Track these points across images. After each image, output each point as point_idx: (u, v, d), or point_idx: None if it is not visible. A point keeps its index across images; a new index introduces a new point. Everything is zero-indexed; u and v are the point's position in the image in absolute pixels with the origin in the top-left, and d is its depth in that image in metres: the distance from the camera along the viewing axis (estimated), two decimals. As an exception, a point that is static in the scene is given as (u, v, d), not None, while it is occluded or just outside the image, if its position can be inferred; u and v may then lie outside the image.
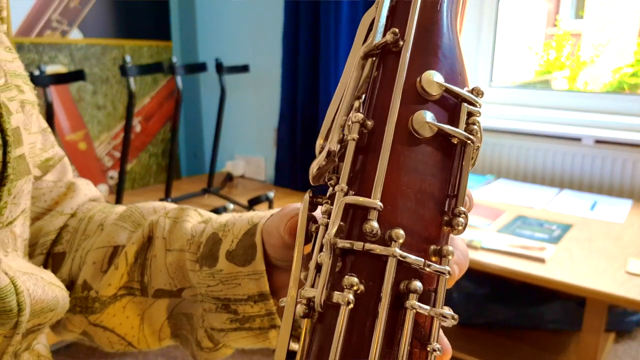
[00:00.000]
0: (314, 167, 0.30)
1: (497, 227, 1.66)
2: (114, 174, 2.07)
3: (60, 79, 1.56)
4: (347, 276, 0.24)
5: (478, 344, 1.77)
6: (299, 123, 2.18)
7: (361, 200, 0.25)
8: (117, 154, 2.04)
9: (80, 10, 1.90)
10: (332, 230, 0.25)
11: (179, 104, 1.71)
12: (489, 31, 2.31)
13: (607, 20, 2.72)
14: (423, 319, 0.25)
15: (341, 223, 0.26)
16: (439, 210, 0.27)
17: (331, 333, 0.24)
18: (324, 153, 0.29)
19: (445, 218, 0.27)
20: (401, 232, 0.25)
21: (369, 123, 0.28)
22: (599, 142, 2.01)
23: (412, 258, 0.25)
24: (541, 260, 1.43)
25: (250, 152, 2.48)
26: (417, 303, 0.24)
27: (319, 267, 0.26)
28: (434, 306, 0.25)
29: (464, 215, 0.27)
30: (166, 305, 0.44)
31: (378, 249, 0.25)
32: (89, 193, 0.51)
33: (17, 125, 0.36)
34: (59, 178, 0.49)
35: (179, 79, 1.67)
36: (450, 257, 0.26)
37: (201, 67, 1.81)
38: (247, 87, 2.33)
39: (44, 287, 0.37)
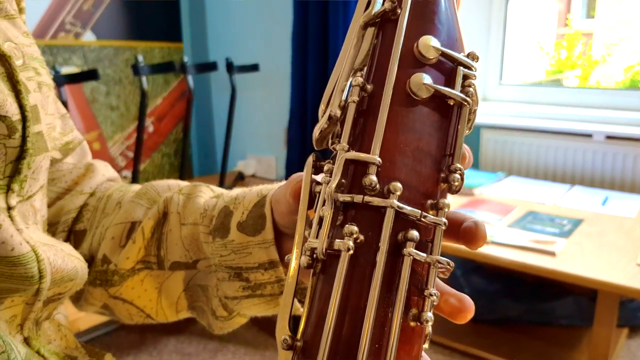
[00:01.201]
0: (316, 131, 0.32)
1: (507, 222, 1.66)
2: (127, 173, 2.10)
3: (74, 78, 1.59)
4: (347, 225, 0.25)
5: (490, 339, 1.77)
6: (309, 122, 2.19)
7: (361, 155, 0.27)
8: (130, 154, 2.07)
9: (93, 13, 1.93)
10: (333, 184, 0.26)
11: (190, 104, 1.73)
12: (498, 29, 2.32)
13: (618, 19, 2.71)
14: (420, 267, 0.26)
15: (342, 181, 0.27)
16: (435, 167, 0.28)
17: (333, 280, 0.25)
18: (326, 116, 0.30)
19: (442, 175, 0.28)
20: (399, 185, 0.26)
21: (369, 87, 0.29)
22: (610, 137, 2.01)
23: (409, 209, 0.26)
24: (552, 254, 1.43)
25: (261, 151, 2.49)
26: (414, 250, 0.25)
27: (321, 220, 0.27)
28: (430, 255, 0.26)
29: (460, 172, 0.28)
30: (182, 277, 0.46)
31: (376, 200, 0.26)
32: (106, 173, 0.53)
33: (35, 103, 0.38)
34: (78, 160, 0.51)
35: (190, 79, 1.70)
36: (446, 210, 0.27)
37: (212, 67, 1.83)
38: (257, 87, 2.36)
39: (64, 258, 0.38)
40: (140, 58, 1.58)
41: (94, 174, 0.52)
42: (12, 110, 0.35)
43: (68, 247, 0.41)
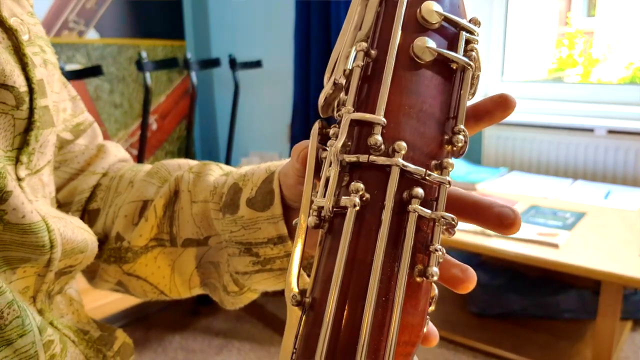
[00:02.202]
0: (321, 97, 0.32)
1: (510, 216, 1.66)
2: (130, 172, 2.10)
3: (78, 74, 1.59)
4: (353, 182, 0.26)
5: (494, 333, 1.77)
6: (312, 119, 2.20)
7: (366, 116, 0.27)
8: (135, 152, 2.08)
9: (96, 11, 1.94)
10: (339, 144, 0.27)
11: (194, 101, 1.74)
12: (499, 27, 2.32)
13: (619, 17, 2.71)
14: (425, 225, 0.27)
15: (348, 142, 0.28)
16: (439, 129, 0.28)
17: (340, 237, 0.26)
18: (330, 82, 0.31)
19: (446, 137, 0.28)
20: (403, 144, 0.26)
21: (373, 52, 0.29)
22: (611, 132, 2.01)
23: (413, 167, 0.26)
24: (555, 246, 1.43)
25: (264, 148, 2.50)
26: (420, 207, 0.26)
27: (327, 181, 0.28)
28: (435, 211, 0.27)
29: (463, 134, 0.28)
30: (194, 254, 0.47)
31: (381, 159, 0.26)
32: (118, 154, 0.54)
33: (41, 77, 0.39)
34: (90, 141, 0.52)
35: (193, 75, 1.70)
36: (450, 169, 0.27)
37: (215, 63, 1.84)
38: (260, 84, 2.36)
39: (74, 230, 0.39)
40: (144, 54, 1.59)
41: (106, 155, 0.53)
42: (20, 82, 0.35)
43: (77, 220, 0.41)
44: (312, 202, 0.30)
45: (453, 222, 0.27)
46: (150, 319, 1.96)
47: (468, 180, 2.01)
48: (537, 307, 1.84)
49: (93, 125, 0.53)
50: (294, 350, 0.26)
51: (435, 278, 0.26)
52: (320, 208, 0.27)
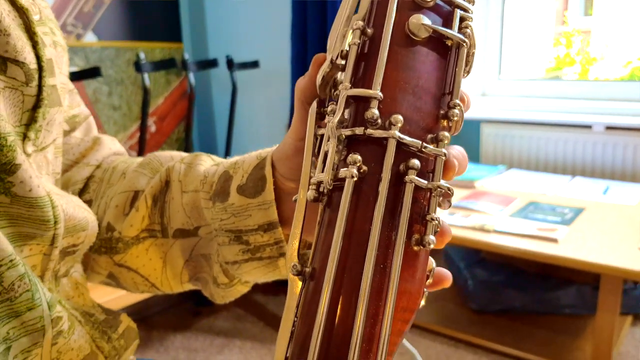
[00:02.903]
0: (319, 76, 0.33)
1: (509, 213, 1.67)
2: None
3: (77, 76, 1.60)
4: (350, 154, 0.26)
5: (494, 329, 1.78)
6: (309, 119, 2.20)
7: (362, 91, 0.28)
8: (134, 154, 2.08)
9: (94, 14, 1.95)
10: (335, 119, 0.28)
11: (192, 102, 1.74)
12: (495, 25, 2.33)
13: (616, 17, 2.72)
14: (422, 196, 0.27)
15: (345, 117, 0.28)
16: (435, 104, 0.29)
17: (338, 209, 0.26)
18: (328, 61, 0.31)
19: (441, 112, 0.29)
20: (400, 117, 0.27)
21: (369, 30, 0.30)
22: (609, 128, 2.02)
23: (409, 140, 0.27)
24: (554, 240, 1.44)
25: (262, 148, 2.51)
26: (416, 177, 0.26)
27: (325, 156, 0.28)
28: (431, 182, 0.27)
29: (459, 108, 0.29)
30: (185, 246, 0.47)
31: (378, 132, 0.27)
32: (113, 147, 0.54)
33: (51, 57, 0.39)
34: (85, 134, 0.52)
35: (191, 76, 1.71)
36: (446, 142, 0.28)
37: (212, 63, 1.85)
38: (258, 85, 2.37)
39: (75, 207, 0.39)
40: (142, 55, 1.60)
41: (101, 147, 0.53)
42: (30, 59, 0.36)
43: (77, 199, 0.42)
44: (310, 178, 0.30)
45: (449, 192, 0.27)
46: (152, 319, 1.96)
47: (466, 178, 2.01)
48: (537, 303, 1.85)
49: (89, 118, 0.54)
50: (295, 319, 0.26)
51: (432, 246, 0.26)
52: (320, 182, 0.28)
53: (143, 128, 1.66)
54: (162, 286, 0.50)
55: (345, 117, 0.28)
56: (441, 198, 0.28)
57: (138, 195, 0.47)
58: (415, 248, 0.27)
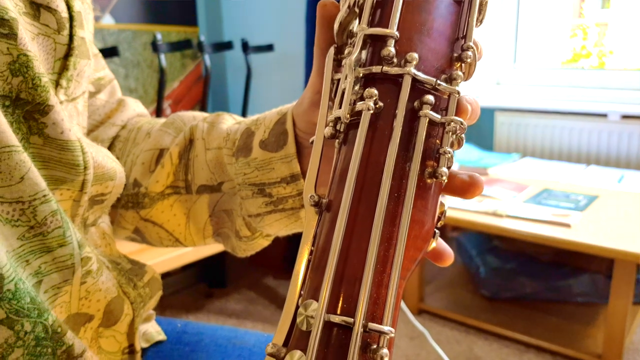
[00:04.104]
0: (336, 23, 0.34)
1: (522, 199, 1.67)
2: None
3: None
4: (367, 89, 0.27)
5: (505, 316, 1.78)
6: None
7: (379, 30, 0.29)
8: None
9: (112, -3, 1.97)
10: (353, 56, 0.28)
11: (207, 84, 1.76)
12: (511, 12, 2.32)
13: (633, 10, 2.70)
14: (435, 131, 0.28)
15: (362, 57, 0.29)
16: (449, 46, 0.30)
17: (354, 145, 0.27)
18: (345, 6, 0.32)
19: (455, 54, 0.30)
20: (415, 55, 0.28)
21: (386, -24, 0.31)
22: (625, 117, 2.00)
23: (424, 77, 0.28)
24: (567, 225, 1.44)
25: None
26: (430, 112, 0.27)
27: (343, 94, 0.29)
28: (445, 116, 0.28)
29: (472, 50, 0.30)
30: (208, 202, 0.48)
31: (394, 70, 0.28)
32: (137, 109, 0.56)
33: (79, 10, 0.40)
34: (109, 97, 0.54)
35: (207, 58, 1.72)
36: (459, 81, 0.29)
37: (228, 45, 1.87)
38: (272, 68, 2.38)
39: (104, 157, 0.41)
40: (159, 36, 1.61)
41: (125, 109, 0.55)
42: (62, 8, 0.37)
43: (106, 150, 0.43)
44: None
45: (462, 126, 0.28)
46: (165, 301, 1.99)
47: (479, 165, 2.01)
48: (549, 290, 1.84)
49: (113, 81, 0.55)
50: (312, 248, 0.27)
51: (444, 178, 0.27)
52: (337, 118, 0.29)
53: (159, 110, 1.68)
54: (186, 241, 0.51)
55: (363, 58, 0.29)
56: (454, 136, 0.28)
57: (163, 153, 0.49)
58: (429, 181, 0.27)
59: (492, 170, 1.98)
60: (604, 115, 2.04)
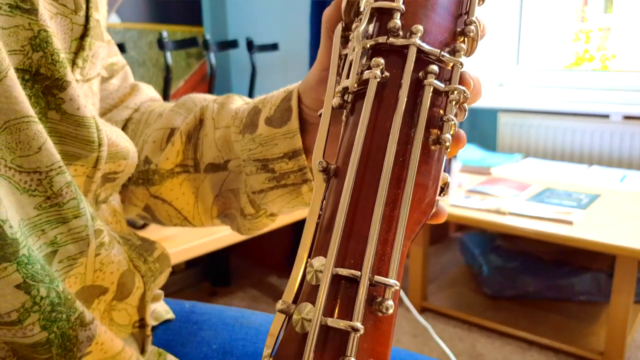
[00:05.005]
0: (344, 1, 0.35)
1: (525, 197, 1.68)
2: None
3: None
4: (374, 59, 0.28)
5: (508, 314, 1.78)
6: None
7: (386, 3, 0.30)
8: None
9: (118, -4, 1.99)
10: (360, 27, 0.30)
11: (212, 82, 1.77)
12: (514, 13, 2.33)
13: (636, 15, 2.71)
14: (439, 101, 0.29)
15: (368, 30, 0.30)
16: (453, 21, 0.31)
17: (361, 114, 0.28)
18: (353, -16, 0.33)
19: (458, 29, 0.31)
20: (420, 27, 0.29)
21: (391, -46, 0.32)
22: (627, 118, 2.01)
23: (429, 48, 0.29)
24: (569, 223, 1.45)
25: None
26: (435, 81, 0.28)
27: (350, 65, 0.30)
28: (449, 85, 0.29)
29: (475, 25, 0.31)
30: (215, 181, 0.50)
31: (400, 41, 0.29)
32: (150, 93, 0.57)
33: None
34: (122, 82, 0.55)
35: (212, 56, 1.74)
36: (462, 53, 0.30)
37: (233, 44, 1.88)
38: (276, 68, 2.39)
39: (117, 136, 0.42)
40: (165, 34, 1.63)
41: (138, 93, 0.56)
42: None
43: (119, 130, 0.44)
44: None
45: (465, 95, 0.29)
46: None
47: (482, 165, 2.02)
48: (551, 289, 1.85)
49: (125, 67, 0.57)
50: (320, 213, 0.29)
51: (448, 144, 0.28)
52: (345, 89, 0.30)
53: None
54: (194, 220, 0.52)
55: (369, 31, 0.31)
56: (457, 105, 0.30)
57: (174, 132, 0.50)
58: (433, 147, 0.28)
59: (495, 170, 1.99)
60: (606, 116, 2.05)
